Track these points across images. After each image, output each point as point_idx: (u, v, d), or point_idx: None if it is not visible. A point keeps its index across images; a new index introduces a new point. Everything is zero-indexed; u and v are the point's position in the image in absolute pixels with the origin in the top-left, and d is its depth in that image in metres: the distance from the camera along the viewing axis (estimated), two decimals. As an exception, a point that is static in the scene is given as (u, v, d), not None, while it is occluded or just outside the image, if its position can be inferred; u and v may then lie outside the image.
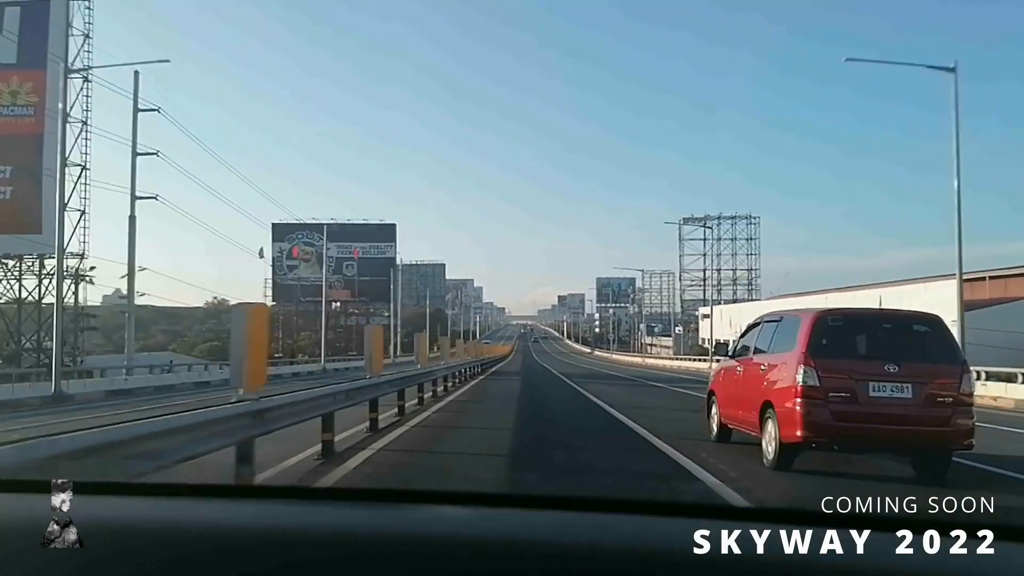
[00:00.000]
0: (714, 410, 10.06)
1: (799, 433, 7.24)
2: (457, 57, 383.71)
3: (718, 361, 18.53)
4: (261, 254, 74.13)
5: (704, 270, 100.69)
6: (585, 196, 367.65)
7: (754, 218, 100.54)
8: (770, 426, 7.70)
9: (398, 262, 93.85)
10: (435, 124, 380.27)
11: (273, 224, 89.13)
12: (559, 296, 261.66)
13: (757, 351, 8.82)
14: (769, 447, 7.73)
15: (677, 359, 54.20)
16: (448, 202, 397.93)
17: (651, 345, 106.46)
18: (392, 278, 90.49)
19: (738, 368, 9.27)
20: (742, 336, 9.74)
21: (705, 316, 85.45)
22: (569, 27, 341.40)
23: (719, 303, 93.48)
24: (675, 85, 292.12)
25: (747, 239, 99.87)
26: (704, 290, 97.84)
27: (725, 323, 64.35)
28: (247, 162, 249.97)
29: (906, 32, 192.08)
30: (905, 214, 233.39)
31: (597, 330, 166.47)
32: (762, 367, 8.33)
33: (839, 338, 7.61)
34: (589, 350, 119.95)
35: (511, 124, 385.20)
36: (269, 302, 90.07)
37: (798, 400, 7.26)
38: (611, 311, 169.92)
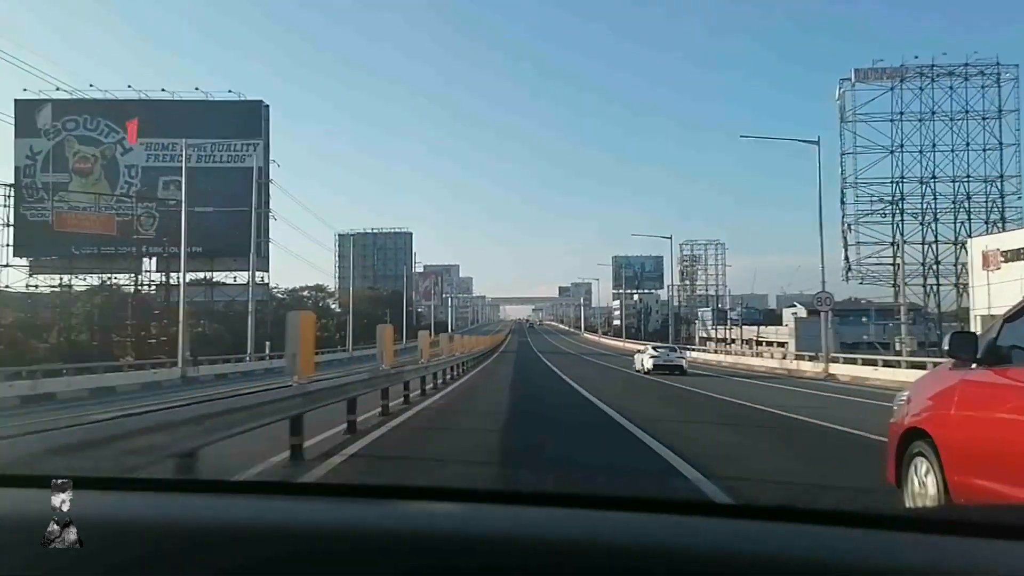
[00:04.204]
0: (924, 469, 4.51)
1: None
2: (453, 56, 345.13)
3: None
4: None
5: (896, 181, 51.22)
6: (580, 198, 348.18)
7: (1008, 67, 51.07)
8: None
9: (271, 175, 49.44)
10: (435, 119, 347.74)
11: (17, 101, 45.23)
12: (560, 288, 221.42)
13: None
14: None
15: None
16: (443, 195, 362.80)
17: (736, 340, 63.92)
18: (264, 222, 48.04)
19: None
20: (1013, 318, 4.31)
21: None
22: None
23: (922, 246, 49.94)
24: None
25: (987, 118, 50.05)
26: (893, 225, 51.01)
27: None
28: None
29: None
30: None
31: (616, 321, 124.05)
32: None
33: None
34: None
35: (511, 121, 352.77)
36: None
37: None
38: (636, 297, 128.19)
